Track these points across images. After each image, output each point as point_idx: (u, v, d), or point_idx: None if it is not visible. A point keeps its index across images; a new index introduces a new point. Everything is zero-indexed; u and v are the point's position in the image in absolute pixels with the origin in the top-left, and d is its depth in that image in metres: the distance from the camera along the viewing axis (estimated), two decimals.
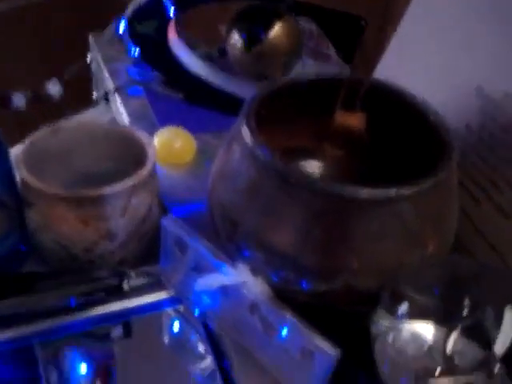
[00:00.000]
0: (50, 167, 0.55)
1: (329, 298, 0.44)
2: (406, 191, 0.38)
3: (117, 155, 0.58)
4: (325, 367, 0.41)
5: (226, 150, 0.49)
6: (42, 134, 0.55)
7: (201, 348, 0.57)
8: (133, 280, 0.59)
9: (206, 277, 0.44)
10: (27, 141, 0.54)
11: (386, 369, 0.38)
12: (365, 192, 0.37)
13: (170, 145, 0.67)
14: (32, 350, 0.53)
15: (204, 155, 0.73)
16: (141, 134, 0.57)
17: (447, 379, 0.38)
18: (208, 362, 0.56)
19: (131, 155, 0.57)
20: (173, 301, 0.56)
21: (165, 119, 0.73)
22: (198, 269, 0.49)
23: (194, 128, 0.72)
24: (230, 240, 0.46)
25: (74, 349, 0.53)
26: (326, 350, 0.40)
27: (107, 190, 0.50)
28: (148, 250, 0.60)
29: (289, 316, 0.42)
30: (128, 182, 0.51)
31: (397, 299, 0.39)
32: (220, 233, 0.48)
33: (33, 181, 0.50)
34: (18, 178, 0.53)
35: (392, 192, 0.38)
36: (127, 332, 0.59)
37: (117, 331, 0.58)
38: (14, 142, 0.57)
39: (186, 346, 0.57)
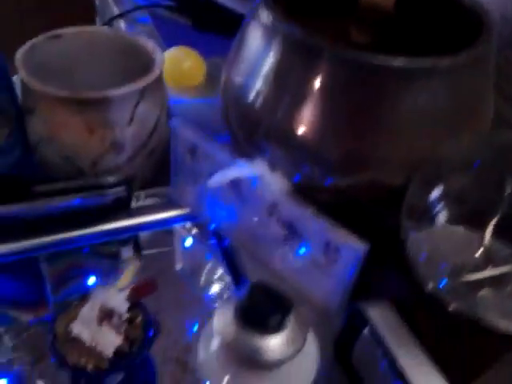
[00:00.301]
0: (51, 77, 0.52)
1: (352, 195, 0.40)
2: (443, 63, 0.34)
3: (121, 65, 0.54)
4: (352, 264, 0.37)
5: (238, 44, 0.45)
6: (42, 38, 0.51)
7: (215, 266, 0.54)
8: (142, 201, 0.56)
9: (221, 172, 0.40)
10: (28, 44, 0.50)
11: (421, 265, 0.35)
12: (399, 60, 0.34)
13: (178, 65, 0.63)
14: (38, 266, 0.51)
15: (214, 79, 0.69)
16: (146, 41, 0.53)
17: (483, 272, 0.35)
18: (222, 279, 0.53)
19: (137, 64, 0.53)
20: (185, 218, 0.53)
21: (172, 44, 0.70)
22: (211, 176, 0.46)
23: (202, 53, 0.68)
24: (249, 141, 0.43)
25: (82, 266, 0.51)
26: (354, 243, 0.37)
27: (113, 92, 0.47)
28: (157, 171, 0.57)
29: (311, 212, 0.38)
30: (135, 86, 0.48)
31: (430, 181, 0.35)
32: (237, 137, 0.45)
33: (33, 82, 0.47)
34: (17, 86, 0.50)
35: (428, 63, 0.34)
36: (137, 253, 0.56)
37: (126, 251, 0.56)
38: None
39: (199, 265, 0.54)
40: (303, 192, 0.40)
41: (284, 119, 0.40)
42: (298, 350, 0.26)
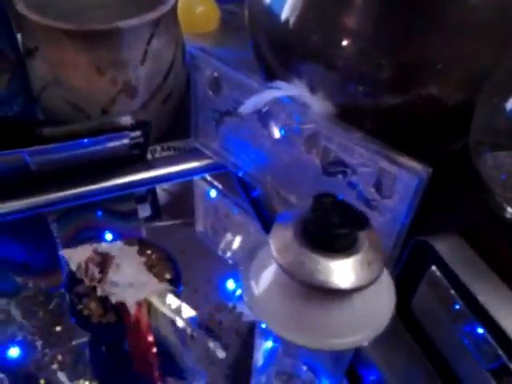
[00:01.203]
0: (54, 16, 0.47)
1: (406, 117, 0.35)
2: None
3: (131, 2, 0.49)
4: (413, 193, 0.32)
5: None
6: None
7: (242, 220, 0.49)
8: (158, 154, 0.51)
9: (253, 97, 0.35)
10: None
11: (500, 188, 0.30)
12: None
13: (191, 9, 0.58)
14: (47, 227, 0.46)
15: (229, 26, 0.64)
16: None
17: None
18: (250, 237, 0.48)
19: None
20: (209, 168, 0.48)
21: None
22: (237, 112, 0.40)
23: None
24: (284, 67, 0.38)
25: (96, 226, 0.46)
26: (413, 168, 0.31)
27: (123, 23, 0.41)
28: (174, 121, 0.52)
29: (360, 137, 0.33)
30: (148, 16, 0.42)
31: (504, 92, 0.30)
32: (270, 66, 0.40)
33: (32, 15, 0.41)
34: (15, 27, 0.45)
35: None
36: (155, 212, 0.51)
37: (144, 209, 0.51)
38: None
39: (223, 221, 0.49)
40: (349, 117, 0.35)
41: (324, 34, 0.35)
42: (376, 277, 0.21)
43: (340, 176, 0.36)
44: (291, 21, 0.37)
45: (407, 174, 0.32)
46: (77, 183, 0.43)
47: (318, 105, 0.33)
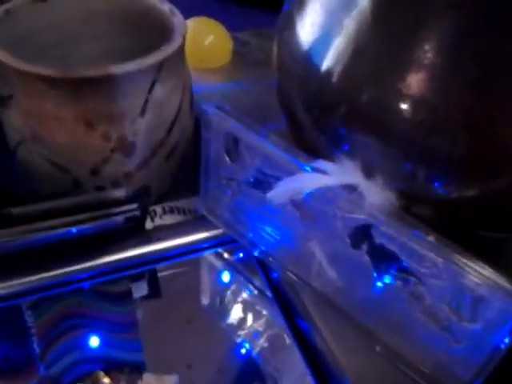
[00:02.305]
0: (35, 54, 0.38)
1: (483, 212, 0.27)
2: None
3: (130, 36, 0.41)
4: (504, 325, 0.24)
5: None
6: (22, 1, 0.38)
7: (261, 311, 0.41)
8: (159, 218, 0.42)
9: (289, 181, 0.26)
10: (1, 8, 0.37)
11: None
12: None
13: (199, 41, 0.50)
14: (20, 316, 0.37)
15: (242, 59, 0.56)
16: (161, 3, 0.39)
17: None
18: (272, 326, 0.40)
19: (149, 34, 0.39)
20: (219, 242, 0.39)
21: (188, 17, 0.56)
22: (262, 183, 0.32)
23: (226, 26, 0.55)
24: (322, 130, 0.29)
25: (79, 313, 0.38)
26: (506, 291, 0.23)
27: (119, 69, 0.33)
28: (180, 176, 0.44)
29: (431, 238, 0.25)
30: (149, 60, 0.34)
31: None
32: (301, 126, 0.31)
33: (7, 58, 0.33)
34: None
35: None
36: (154, 289, 0.43)
37: (140, 288, 0.42)
38: None
39: (238, 311, 0.41)
40: (411, 208, 0.26)
41: (381, 93, 0.26)
42: None
43: (399, 282, 0.27)
44: (336, 72, 0.28)
45: (501, 297, 0.23)
46: (53, 264, 0.35)
47: (376, 194, 0.25)
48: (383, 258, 0.27)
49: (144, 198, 0.35)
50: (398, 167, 0.26)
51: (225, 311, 0.41)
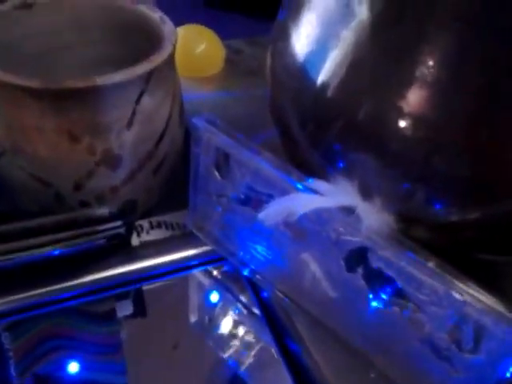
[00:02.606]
0: (18, 63, 0.37)
1: (482, 235, 0.25)
2: None
3: (117, 44, 0.39)
4: (507, 356, 0.22)
5: (295, 7, 0.30)
6: (6, 8, 0.36)
7: (250, 330, 0.39)
8: (146, 233, 0.41)
9: (283, 201, 0.25)
10: None
11: None
12: None
13: (190, 49, 0.48)
14: None
15: (234, 66, 0.54)
16: (150, 10, 0.38)
17: None
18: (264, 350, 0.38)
19: (138, 43, 0.38)
20: (208, 259, 0.38)
21: (178, 25, 0.54)
22: (252, 201, 0.31)
23: (218, 34, 0.53)
24: (321, 155, 0.28)
25: (59, 334, 0.36)
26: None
27: (105, 80, 0.32)
28: (168, 190, 0.42)
29: (432, 264, 0.23)
30: (136, 70, 0.33)
31: None
32: (295, 142, 0.30)
33: None
34: None
35: None
36: (140, 308, 0.41)
37: (124, 307, 0.40)
38: None
39: (226, 329, 0.39)
40: (409, 231, 0.25)
41: (380, 108, 0.25)
42: None
43: (396, 308, 0.26)
44: (332, 86, 0.27)
45: (505, 327, 0.22)
46: (33, 284, 0.33)
47: (374, 217, 0.23)
48: (380, 283, 0.26)
49: (129, 214, 0.33)
50: (397, 188, 0.25)
51: (213, 331, 0.39)
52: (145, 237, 0.41)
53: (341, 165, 0.26)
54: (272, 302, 0.36)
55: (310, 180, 0.25)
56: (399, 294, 0.25)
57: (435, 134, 0.25)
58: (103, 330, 0.38)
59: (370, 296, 0.27)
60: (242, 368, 0.36)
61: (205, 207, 0.34)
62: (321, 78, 0.28)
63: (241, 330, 0.39)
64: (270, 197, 0.28)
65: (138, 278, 0.37)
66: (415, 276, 0.24)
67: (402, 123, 0.25)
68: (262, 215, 0.26)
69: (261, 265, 0.33)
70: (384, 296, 0.26)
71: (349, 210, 0.24)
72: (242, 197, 0.31)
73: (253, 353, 0.38)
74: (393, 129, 0.25)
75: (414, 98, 0.25)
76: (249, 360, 0.38)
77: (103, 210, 0.31)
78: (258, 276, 0.33)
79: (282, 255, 0.31)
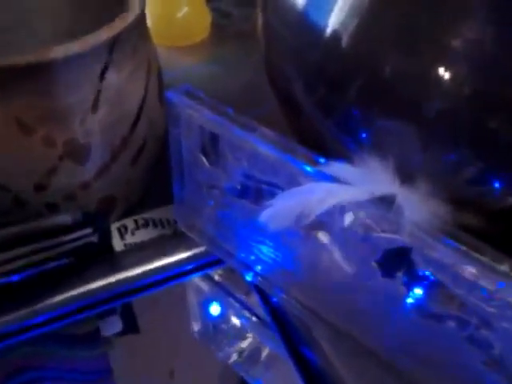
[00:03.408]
0: None
1: None
2: None
3: (81, 9, 0.32)
4: None
5: None
6: None
7: (259, 339, 0.33)
8: (131, 234, 0.35)
9: (285, 197, 0.18)
10: None
11: None
12: None
13: (171, 13, 0.41)
14: None
15: (223, 32, 0.47)
16: None
17: None
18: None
19: (100, 6, 0.31)
20: (207, 262, 0.32)
21: None
22: (252, 192, 0.24)
23: None
24: (327, 118, 0.21)
25: (37, 367, 0.30)
26: None
27: (60, 51, 0.25)
28: (153, 182, 0.36)
29: (503, 269, 0.17)
30: (96, 38, 0.26)
31: None
32: (302, 113, 0.23)
33: None
34: None
35: None
36: (130, 323, 0.35)
37: (111, 325, 0.34)
38: None
39: (229, 344, 0.33)
40: (469, 225, 0.18)
41: (414, 57, 0.18)
42: None
43: (452, 324, 0.20)
44: (346, 35, 0.20)
45: None
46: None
47: (418, 206, 0.17)
48: (428, 292, 0.20)
49: (101, 216, 0.27)
50: (444, 164, 0.18)
51: (217, 344, 0.33)
52: (130, 239, 0.34)
53: (365, 138, 0.19)
54: (283, 308, 0.30)
55: (325, 161, 0.19)
56: (456, 305, 0.19)
57: (489, 89, 0.18)
58: (88, 355, 0.32)
59: (413, 307, 0.21)
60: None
61: (194, 201, 0.27)
62: (330, 26, 0.21)
63: (249, 340, 0.34)
64: (273, 186, 0.22)
65: (123, 291, 0.31)
66: (480, 284, 0.18)
67: (445, 76, 0.18)
68: (264, 217, 0.19)
69: (267, 268, 0.27)
70: (434, 309, 0.20)
71: (383, 200, 0.17)
72: (238, 187, 0.24)
73: (263, 363, 0.33)
74: (432, 84, 0.19)
75: (460, 42, 0.18)
76: (259, 371, 0.32)
77: (64, 218, 0.25)
78: (264, 281, 0.27)
79: (294, 257, 0.25)
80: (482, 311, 0.18)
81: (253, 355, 0.33)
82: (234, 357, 0.33)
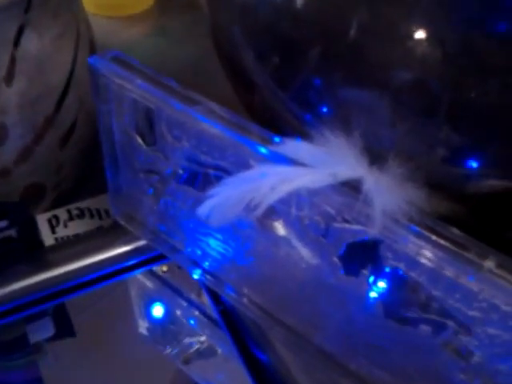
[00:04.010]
0: None
1: None
2: None
3: None
4: None
5: None
6: None
7: (210, 340, 0.30)
8: (63, 226, 0.31)
9: (230, 185, 0.15)
10: None
11: None
12: None
13: None
14: None
15: (167, 1, 0.43)
16: None
17: None
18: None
19: None
20: (151, 257, 0.28)
21: None
22: (198, 178, 0.21)
23: None
24: (283, 90, 0.18)
25: None
26: None
27: None
28: (89, 167, 0.32)
29: (495, 265, 0.14)
30: None
31: None
32: (249, 91, 0.20)
33: None
34: None
35: None
36: (64, 326, 0.31)
37: (41, 328, 0.30)
38: None
39: (180, 345, 0.30)
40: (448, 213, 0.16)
41: (385, 14, 0.15)
42: None
43: (426, 328, 0.17)
44: None
45: None
46: None
47: (390, 193, 0.14)
48: (399, 291, 0.17)
49: (20, 207, 0.23)
50: (418, 140, 0.15)
51: (166, 345, 0.30)
52: (62, 231, 0.31)
53: (327, 111, 0.16)
54: (236, 309, 0.27)
55: (280, 140, 0.16)
56: (432, 308, 0.16)
57: (466, 51, 0.16)
58: (14, 364, 0.28)
59: (380, 309, 0.18)
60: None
61: (131, 189, 0.24)
62: None
63: (200, 341, 0.30)
64: (222, 171, 0.19)
65: (54, 291, 0.27)
66: (461, 283, 0.15)
67: (419, 35, 0.15)
68: (205, 210, 0.16)
69: (217, 264, 0.23)
70: (405, 309, 0.17)
71: (347, 184, 0.15)
72: (181, 172, 0.21)
73: (215, 364, 0.30)
74: (404, 46, 0.16)
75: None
76: (211, 373, 0.29)
77: None
78: (213, 279, 0.24)
79: (246, 251, 0.22)
80: (461, 314, 0.16)
81: (204, 357, 0.30)
82: (185, 358, 0.30)
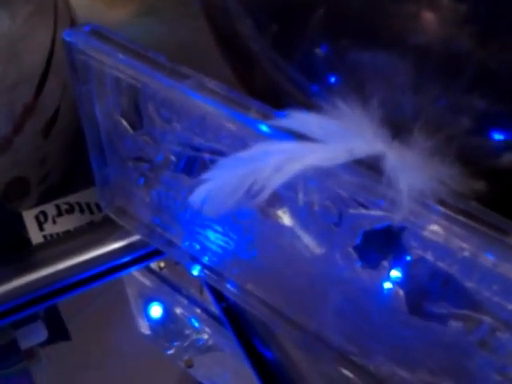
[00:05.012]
0: None
1: None
2: None
3: None
4: None
5: None
6: None
7: (212, 338, 0.28)
8: (52, 223, 0.29)
9: (229, 166, 0.13)
10: None
11: None
12: None
13: None
14: None
15: None
16: None
17: None
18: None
19: None
20: (146, 253, 0.26)
21: None
22: (193, 165, 0.19)
23: None
24: (287, 60, 0.16)
25: None
26: None
27: None
28: (77, 158, 0.30)
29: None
30: None
31: None
32: (247, 66, 0.18)
33: None
34: None
35: None
36: (58, 330, 0.29)
37: (33, 333, 0.28)
38: None
39: (182, 345, 0.28)
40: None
41: None
42: None
43: (458, 325, 0.15)
44: None
45: None
46: None
47: (416, 172, 0.12)
48: (425, 284, 0.15)
49: (19, 199, 0.21)
50: (449, 105, 0.13)
51: (169, 345, 0.28)
52: (51, 228, 0.28)
53: (336, 80, 0.14)
54: (239, 305, 0.25)
55: (284, 114, 0.13)
56: (465, 303, 0.14)
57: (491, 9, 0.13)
58: (5, 372, 0.27)
59: (403, 305, 0.16)
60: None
61: (120, 180, 0.22)
62: None
63: (204, 339, 0.29)
64: (218, 154, 0.17)
65: (44, 292, 0.25)
66: (500, 273, 0.13)
67: None
68: (198, 198, 0.13)
69: (217, 258, 0.21)
70: (433, 305, 0.15)
71: (366, 162, 0.12)
72: (173, 158, 0.19)
73: (220, 363, 0.28)
74: (421, 8, 0.13)
75: None
76: (216, 372, 0.28)
77: None
78: (213, 275, 0.22)
79: (248, 243, 0.20)
80: (499, 309, 0.14)
81: (208, 356, 0.28)
82: (187, 362, 0.28)
